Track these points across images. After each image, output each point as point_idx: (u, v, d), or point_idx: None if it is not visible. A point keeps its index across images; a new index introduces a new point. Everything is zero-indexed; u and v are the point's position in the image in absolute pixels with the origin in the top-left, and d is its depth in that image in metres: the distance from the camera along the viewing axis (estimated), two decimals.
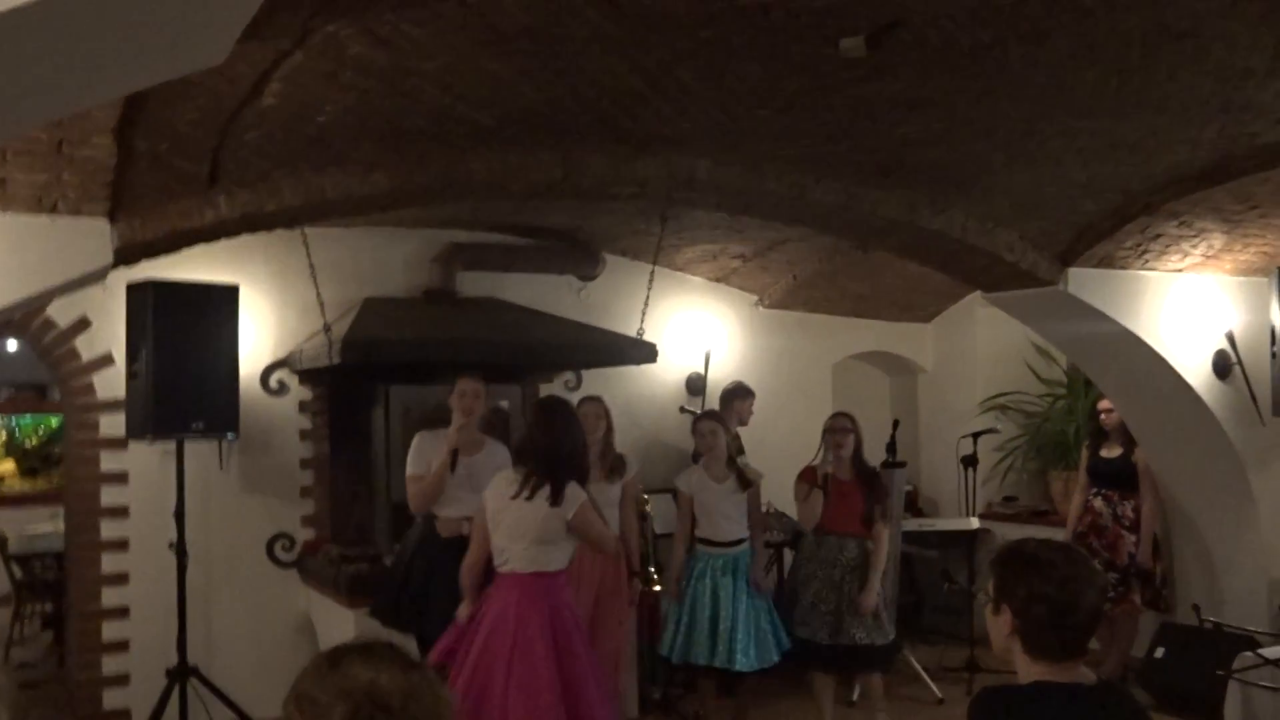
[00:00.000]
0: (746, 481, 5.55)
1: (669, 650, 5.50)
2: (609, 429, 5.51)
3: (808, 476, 5.59)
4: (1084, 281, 5.60)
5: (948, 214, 5.13)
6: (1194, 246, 5.64)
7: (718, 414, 5.83)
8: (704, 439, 5.59)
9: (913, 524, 7.22)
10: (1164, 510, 6.54)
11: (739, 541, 5.52)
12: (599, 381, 6.96)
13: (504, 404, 6.79)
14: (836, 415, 5.72)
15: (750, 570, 5.49)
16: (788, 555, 6.66)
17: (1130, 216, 5.19)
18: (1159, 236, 5.45)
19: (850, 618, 5.41)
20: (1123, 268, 5.71)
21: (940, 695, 6.40)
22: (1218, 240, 5.58)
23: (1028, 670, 2.27)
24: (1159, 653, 6.12)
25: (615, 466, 5.47)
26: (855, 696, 6.30)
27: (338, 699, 1.59)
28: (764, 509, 6.16)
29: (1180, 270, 5.91)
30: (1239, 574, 6.25)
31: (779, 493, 6.14)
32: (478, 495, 5.00)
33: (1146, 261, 5.73)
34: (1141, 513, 6.38)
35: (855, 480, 5.55)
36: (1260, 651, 4.43)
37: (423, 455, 5.05)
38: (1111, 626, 6.25)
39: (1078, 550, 2.35)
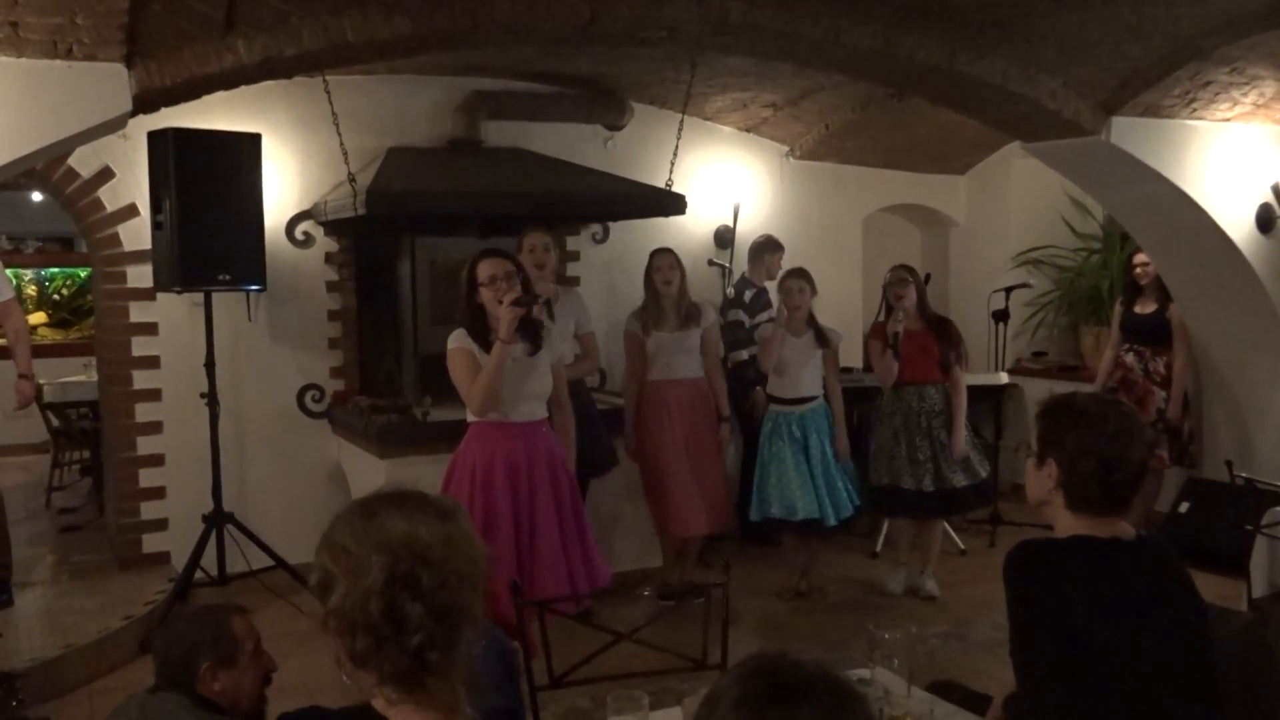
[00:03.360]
0: (825, 339, 5.55)
1: (750, 507, 5.64)
2: (683, 278, 5.57)
3: (879, 334, 5.61)
4: (1127, 131, 5.42)
5: (988, 59, 4.94)
6: (1244, 94, 5.43)
7: (805, 271, 5.76)
8: (790, 296, 5.56)
9: None
10: (1195, 367, 6.49)
11: (809, 399, 5.57)
12: (626, 234, 6.88)
13: None
14: (895, 268, 5.68)
15: (834, 438, 5.55)
16: None
17: (1180, 62, 4.98)
18: (1209, 84, 5.25)
19: (946, 464, 5.50)
20: (1169, 117, 5.52)
21: (964, 547, 6.49)
22: (1270, 88, 5.37)
23: (1068, 524, 2.25)
24: (1184, 507, 6.14)
25: (690, 315, 5.55)
26: (879, 548, 6.40)
27: (375, 551, 1.57)
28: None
29: (1228, 120, 5.71)
30: (1270, 431, 6.22)
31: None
32: (566, 344, 5.17)
33: (1194, 110, 5.53)
34: (1174, 368, 6.34)
35: (926, 329, 5.56)
36: None
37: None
38: None
39: (1125, 404, 2.31)
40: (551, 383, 4.25)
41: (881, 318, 5.67)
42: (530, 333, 4.13)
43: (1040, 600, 2.19)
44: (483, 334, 4.09)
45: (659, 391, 5.56)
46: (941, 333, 5.61)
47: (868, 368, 6.15)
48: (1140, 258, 6.44)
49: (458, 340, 4.14)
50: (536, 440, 4.20)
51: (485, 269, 4.09)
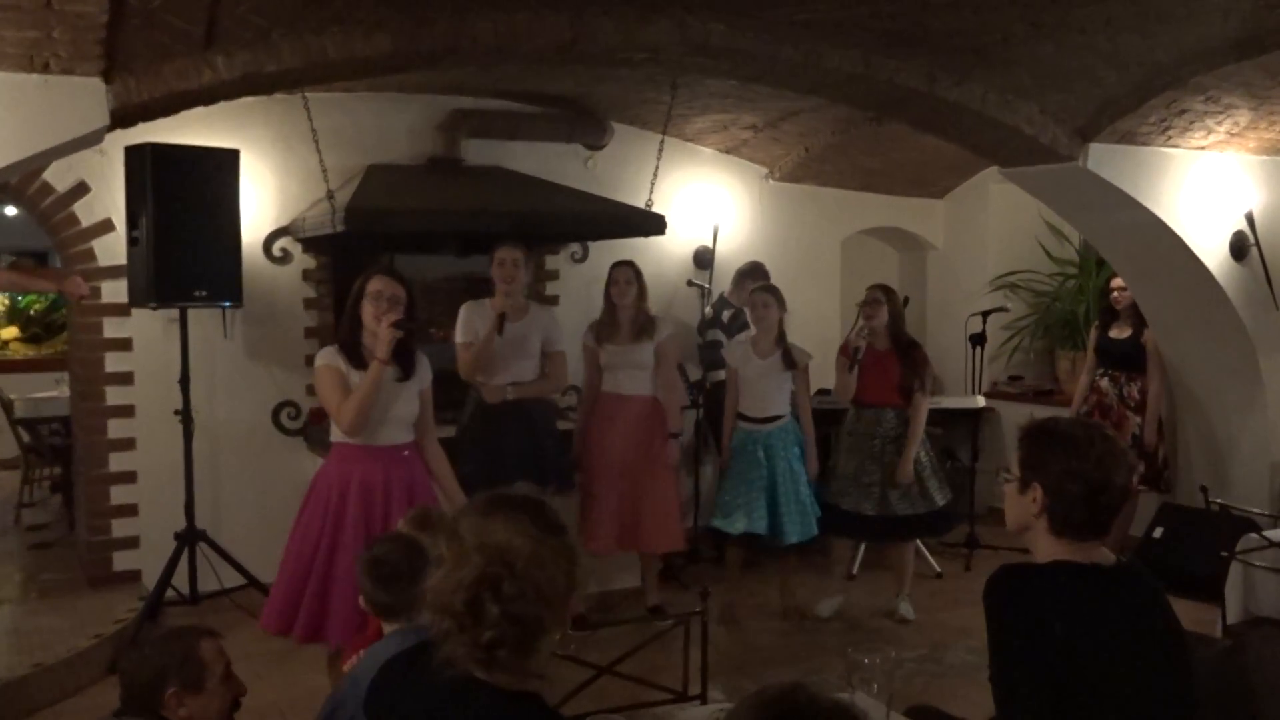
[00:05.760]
0: (792, 360, 5.55)
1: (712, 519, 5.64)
2: (640, 293, 5.53)
3: (845, 350, 5.62)
4: (1104, 158, 5.46)
5: (967, 85, 4.98)
6: (1219, 123, 5.48)
7: (774, 287, 5.77)
8: (756, 310, 5.58)
9: None
10: (1170, 392, 6.53)
11: (775, 418, 5.56)
12: (606, 254, 6.86)
13: None
14: (872, 287, 5.71)
15: (804, 457, 5.56)
16: None
17: (1156, 90, 5.03)
18: (1184, 112, 5.30)
19: (892, 489, 5.49)
20: (1145, 144, 5.57)
21: (939, 570, 6.49)
22: (1244, 117, 5.42)
23: (1049, 549, 2.25)
24: (1158, 532, 6.17)
25: (644, 328, 5.51)
26: (855, 569, 6.39)
27: (477, 551, 1.76)
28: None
29: (1203, 148, 5.77)
30: (1243, 457, 6.26)
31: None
32: (524, 361, 5.14)
33: (1169, 138, 5.58)
34: (1148, 394, 6.38)
35: (892, 351, 5.56)
36: (1265, 534, 4.46)
37: (470, 324, 5.16)
38: None
39: (1107, 429, 2.31)
40: (418, 409, 4.22)
41: (852, 334, 5.69)
42: (405, 358, 4.11)
43: (1020, 625, 2.18)
44: (355, 349, 4.09)
45: (604, 405, 5.53)
46: (906, 358, 5.59)
47: None
48: (1116, 283, 6.49)
49: (326, 358, 4.12)
50: (397, 465, 4.15)
51: (375, 284, 4.08)
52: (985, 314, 7.14)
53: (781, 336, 5.59)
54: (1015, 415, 7.39)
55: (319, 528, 4.03)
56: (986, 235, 8.04)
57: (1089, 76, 4.97)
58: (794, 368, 5.56)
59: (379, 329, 3.97)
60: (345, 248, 6.10)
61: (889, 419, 5.56)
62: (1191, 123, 5.44)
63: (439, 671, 1.77)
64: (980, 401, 7.18)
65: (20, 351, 10.64)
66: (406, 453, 4.21)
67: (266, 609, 4.17)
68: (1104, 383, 6.53)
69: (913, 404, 5.56)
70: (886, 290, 5.68)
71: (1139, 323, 6.41)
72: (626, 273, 5.51)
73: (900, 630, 5.59)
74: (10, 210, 11.57)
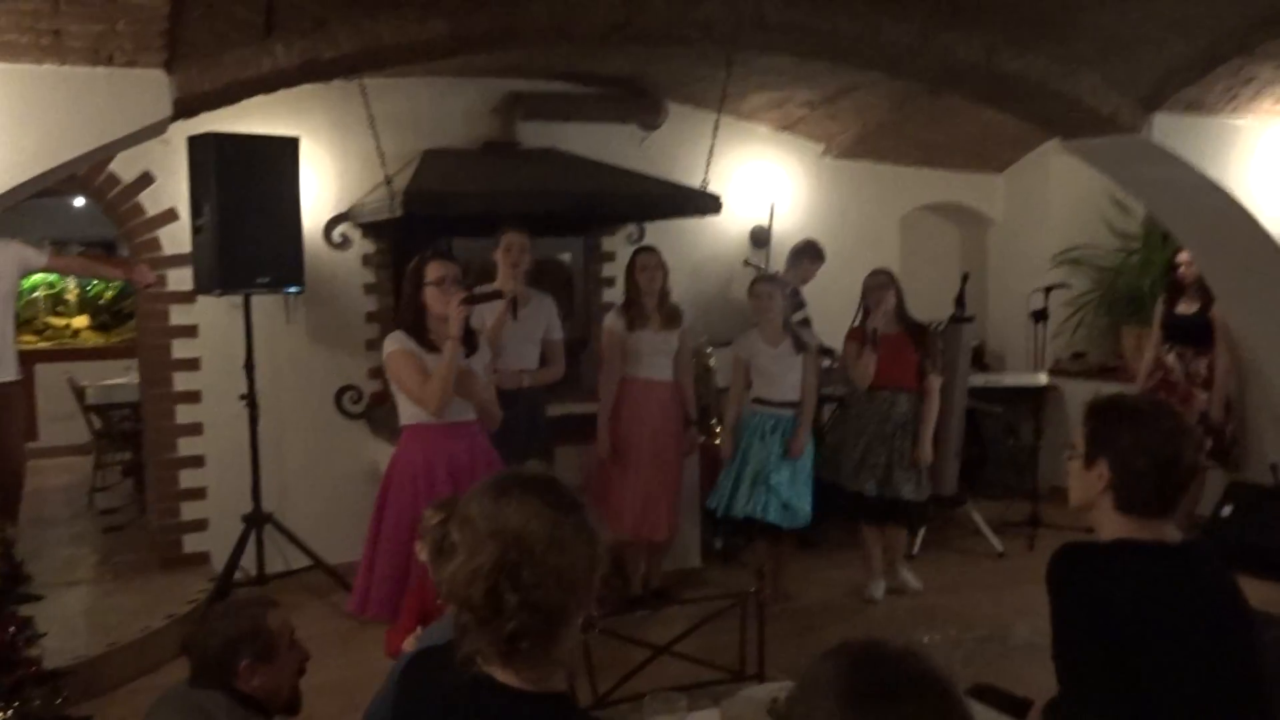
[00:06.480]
0: (801, 344, 5.51)
1: (715, 503, 5.59)
2: (666, 278, 5.50)
3: (856, 336, 5.60)
4: (1169, 128, 5.34)
5: (1027, 56, 4.88)
6: None
7: (775, 277, 5.77)
8: (759, 300, 5.54)
9: (979, 379, 7.13)
10: (1238, 368, 6.40)
11: (794, 403, 5.52)
12: (661, 234, 6.88)
13: (565, 257, 6.76)
14: (873, 273, 5.69)
15: (792, 435, 5.49)
16: None
17: (1223, 58, 4.90)
18: (1252, 80, 5.15)
19: (900, 472, 5.47)
20: (1211, 114, 5.43)
21: (1001, 549, 6.43)
22: None
23: (1113, 527, 2.22)
24: (1226, 510, 6.06)
25: (672, 316, 5.49)
26: (915, 550, 6.35)
27: (490, 537, 1.64)
28: (829, 365, 6.17)
29: (1272, 117, 5.62)
30: None
31: (841, 345, 6.06)
32: (530, 347, 5.13)
33: (1236, 108, 5.44)
34: (1216, 370, 6.26)
35: (903, 334, 5.55)
36: None
37: (476, 315, 5.05)
38: None
39: (1174, 406, 2.27)
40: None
41: (857, 322, 5.68)
42: (468, 337, 4.17)
43: (1084, 604, 2.16)
44: (421, 333, 4.14)
45: (632, 390, 5.47)
46: (917, 339, 5.59)
47: None
48: (1183, 257, 6.37)
49: (399, 342, 4.15)
50: (476, 440, 4.24)
51: (435, 270, 4.15)
52: (1047, 290, 7.05)
53: (786, 323, 5.57)
54: (1078, 392, 7.29)
55: (413, 512, 4.05)
56: (1048, 209, 7.91)
57: (1153, 45, 4.86)
58: (804, 351, 5.53)
59: (450, 310, 4.01)
60: (403, 232, 6.16)
61: (902, 403, 5.54)
62: (1259, 91, 5.30)
63: (459, 672, 1.69)
64: (1042, 379, 7.10)
65: (90, 339, 10.88)
66: (476, 427, 4.28)
67: (362, 596, 4.17)
68: (1170, 358, 6.41)
69: (926, 386, 5.58)
70: (890, 274, 5.68)
71: (1206, 297, 6.28)
72: (655, 258, 5.48)
73: (961, 610, 5.55)
74: (78, 201, 11.79)
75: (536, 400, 5.29)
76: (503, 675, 1.68)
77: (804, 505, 5.48)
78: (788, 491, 5.43)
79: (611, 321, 5.52)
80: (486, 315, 4.99)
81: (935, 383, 5.60)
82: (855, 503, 5.61)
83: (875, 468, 5.52)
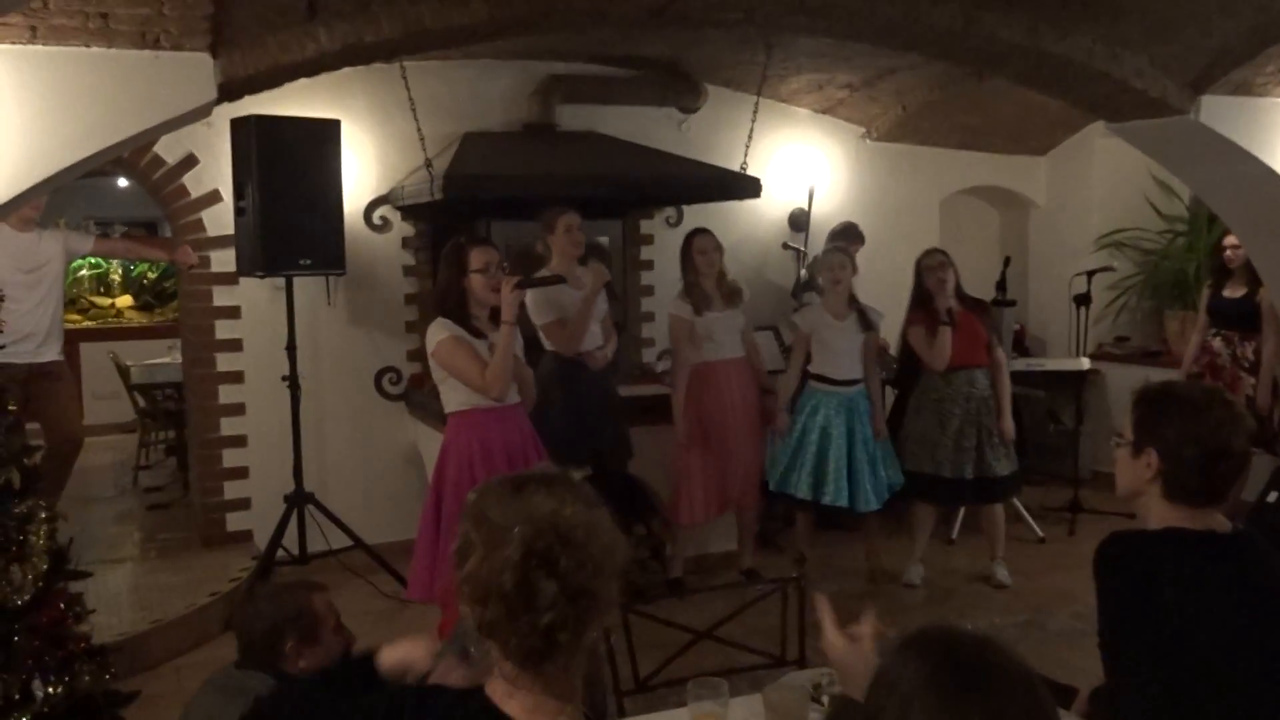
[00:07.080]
0: (868, 322, 5.49)
1: (770, 477, 5.58)
2: (722, 258, 5.52)
3: (920, 319, 5.50)
4: (1217, 110, 5.25)
5: (1072, 37, 4.82)
6: None
7: (847, 248, 5.72)
8: (831, 272, 5.50)
9: (1020, 363, 7.06)
10: None
11: (854, 381, 5.49)
12: (701, 217, 6.84)
13: (604, 240, 6.76)
14: (928, 252, 5.61)
15: (871, 418, 5.49)
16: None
17: (1273, 38, 4.81)
18: None
19: (990, 450, 5.44)
20: (1261, 95, 5.34)
21: (1042, 535, 6.39)
22: None
23: (1162, 516, 2.19)
24: (1272, 497, 5.96)
25: (734, 293, 5.52)
26: (955, 534, 6.32)
27: (518, 522, 1.55)
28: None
29: None
30: None
31: (886, 330, 6.02)
32: (596, 326, 5.23)
33: None
34: (1263, 354, 6.17)
35: (966, 312, 5.49)
36: None
37: (549, 302, 5.06)
38: None
39: (1226, 393, 2.24)
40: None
41: (911, 306, 5.61)
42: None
43: (1132, 593, 2.14)
44: (465, 319, 4.15)
45: (708, 373, 5.46)
46: (981, 314, 5.55)
47: (903, 354, 6.06)
48: (1230, 240, 6.27)
49: (448, 329, 4.13)
50: (524, 421, 4.29)
51: (479, 257, 4.15)
52: (1090, 273, 6.96)
53: (854, 298, 5.53)
54: (1121, 377, 7.22)
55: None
56: (1091, 192, 7.82)
57: (1201, 25, 4.78)
58: (872, 329, 5.51)
59: (504, 295, 4.03)
60: (443, 214, 6.18)
61: (980, 380, 5.50)
62: None
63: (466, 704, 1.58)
64: (1085, 363, 7.02)
65: (134, 319, 11.02)
66: (522, 409, 4.32)
67: (426, 581, 4.19)
68: (1216, 343, 6.33)
69: (995, 360, 5.55)
70: (945, 253, 5.60)
71: (1254, 281, 6.18)
72: (711, 240, 5.49)
73: (998, 596, 5.52)
74: (122, 181, 11.93)
75: (607, 380, 5.33)
76: (513, 703, 1.58)
77: (890, 483, 5.52)
78: (894, 476, 5.50)
79: (677, 308, 5.50)
80: (565, 304, 5.03)
81: (1004, 356, 5.57)
82: (954, 490, 5.54)
83: (969, 450, 5.44)
